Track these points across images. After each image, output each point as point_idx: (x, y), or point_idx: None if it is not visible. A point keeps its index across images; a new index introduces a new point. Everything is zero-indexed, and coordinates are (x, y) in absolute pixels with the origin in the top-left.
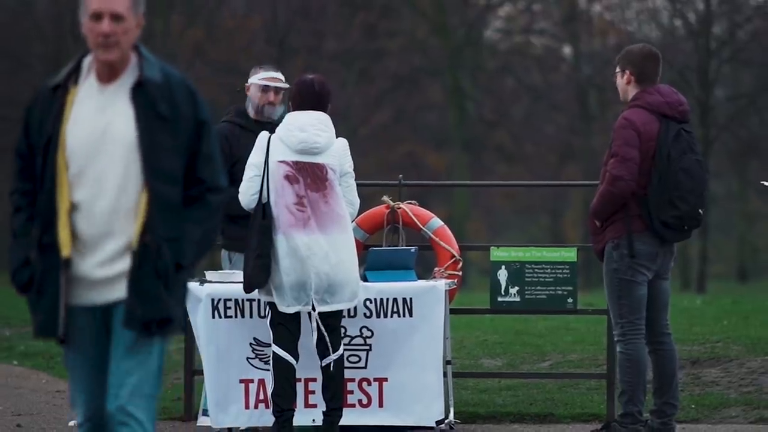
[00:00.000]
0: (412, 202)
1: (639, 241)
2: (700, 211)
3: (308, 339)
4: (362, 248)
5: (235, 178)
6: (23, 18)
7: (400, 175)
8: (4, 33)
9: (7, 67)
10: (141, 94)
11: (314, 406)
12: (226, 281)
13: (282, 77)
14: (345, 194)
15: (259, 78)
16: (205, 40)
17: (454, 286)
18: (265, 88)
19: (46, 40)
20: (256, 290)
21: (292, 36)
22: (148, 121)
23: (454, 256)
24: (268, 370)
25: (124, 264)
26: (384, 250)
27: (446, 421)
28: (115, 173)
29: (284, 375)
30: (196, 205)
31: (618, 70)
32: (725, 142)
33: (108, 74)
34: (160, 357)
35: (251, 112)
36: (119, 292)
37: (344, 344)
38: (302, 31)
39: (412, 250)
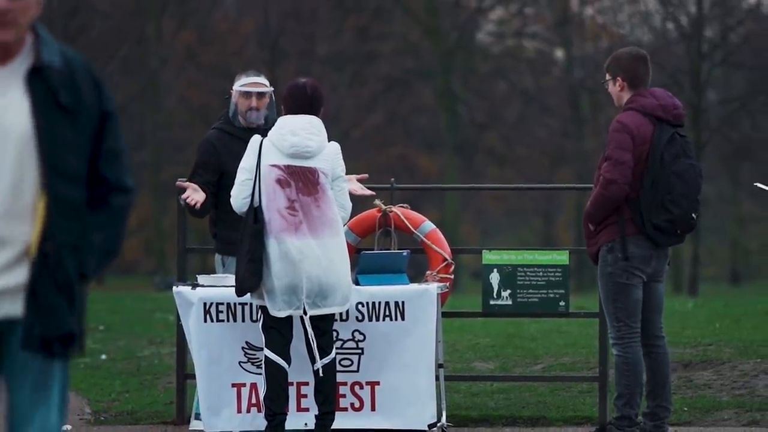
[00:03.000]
0: (404, 205)
1: (633, 244)
2: (693, 215)
3: (301, 343)
4: (354, 252)
5: (225, 186)
6: None
7: (392, 179)
8: None
9: None
10: (38, 81)
11: (306, 410)
12: (218, 285)
13: (265, 81)
14: (337, 198)
15: (240, 84)
16: (197, 43)
17: (446, 290)
18: (246, 94)
19: None
20: (248, 294)
21: (284, 39)
22: (47, 112)
23: (446, 259)
24: (261, 374)
25: (20, 275)
26: (376, 253)
27: (438, 424)
28: (7, 172)
29: (276, 379)
30: (100, 208)
31: (608, 77)
32: (717, 145)
33: (1, 56)
34: (64, 381)
35: (239, 119)
36: (13, 307)
37: (336, 348)
38: (294, 34)
39: (404, 254)
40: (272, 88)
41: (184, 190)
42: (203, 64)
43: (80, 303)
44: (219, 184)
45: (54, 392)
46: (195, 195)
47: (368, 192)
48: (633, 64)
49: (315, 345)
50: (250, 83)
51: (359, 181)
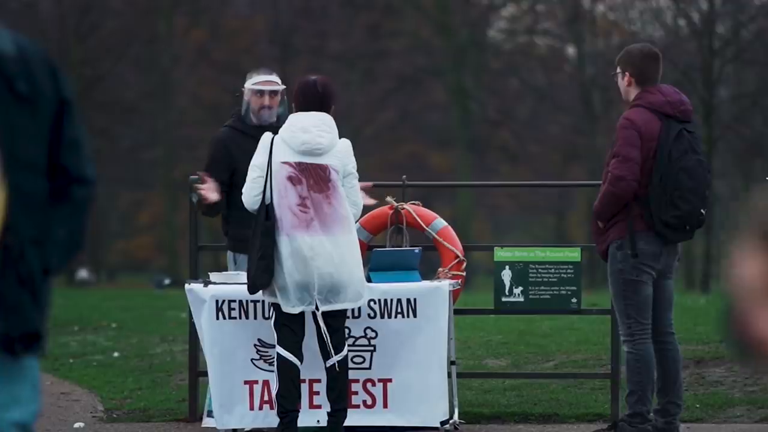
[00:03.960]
0: (416, 202)
1: (642, 240)
2: (702, 211)
3: (313, 340)
4: (366, 249)
5: (237, 183)
6: (26, 20)
7: (404, 176)
8: None
9: None
10: None
11: (319, 407)
12: (230, 282)
13: (277, 79)
14: (348, 195)
15: (252, 83)
16: (209, 41)
17: (458, 287)
18: (259, 93)
19: (49, 42)
20: (260, 291)
21: (296, 37)
22: (3, 101)
23: (457, 256)
24: (273, 371)
25: None
26: (388, 250)
27: (451, 421)
28: None
29: (288, 376)
30: (61, 200)
31: (618, 71)
32: (729, 142)
33: None
34: (35, 380)
35: (252, 118)
36: None
37: (348, 345)
38: (305, 32)
39: (416, 251)
40: (284, 86)
41: (197, 187)
42: (215, 62)
43: (44, 300)
44: (230, 181)
45: (24, 392)
46: (210, 194)
47: (371, 201)
48: (643, 60)
49: (329, 340)
50: (263, 81)
51: (363, 189)
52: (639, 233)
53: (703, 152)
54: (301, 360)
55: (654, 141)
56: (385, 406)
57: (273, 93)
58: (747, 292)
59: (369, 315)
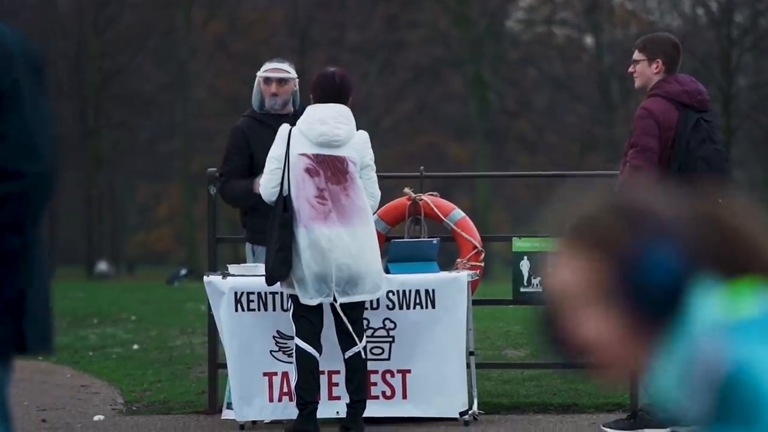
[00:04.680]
0: (434, 193)
1: None
2: (720, 201)
3: (331, 331)
4: (384, 240)
5: (255, 173)
6: (45, 13)
7: (422, 167)
8: (26, 28)
9: None
10: None
11: (338, 398)
12: (248, 274)
13: (288, 68)
14: (366, 186)
15: (262, 71)
16: (227, 33)
17: (477, 277)
18: (267, 80)
19: (67, 35)
20: (278, 283)
21: (314, 28)
22: None
23: (476, 247)
24: (292, 362)
25: None
26: (406, 241)
27: (470, 412)
28: None
29: (308, 368)
30: None
31: (644, 57)
32: (748, 131)
33: None
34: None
35: (266, 105)
36: None
37: (367, 336)
38: (323, 23)
39: (434, 242)
40: (296, 75)
41: (215, 179)
42: (233, 54)
43: None
44: (250, 167)
45: None
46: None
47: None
48: (674, 49)
49: (351, 329)
50: (272, 69)
51: None
52: None
53: (721, 141)
54: (320, 351)
55: (672, 131)
56: (404, 397)
57: (281, 81)
58: (564, 296)
59: (387, 306)
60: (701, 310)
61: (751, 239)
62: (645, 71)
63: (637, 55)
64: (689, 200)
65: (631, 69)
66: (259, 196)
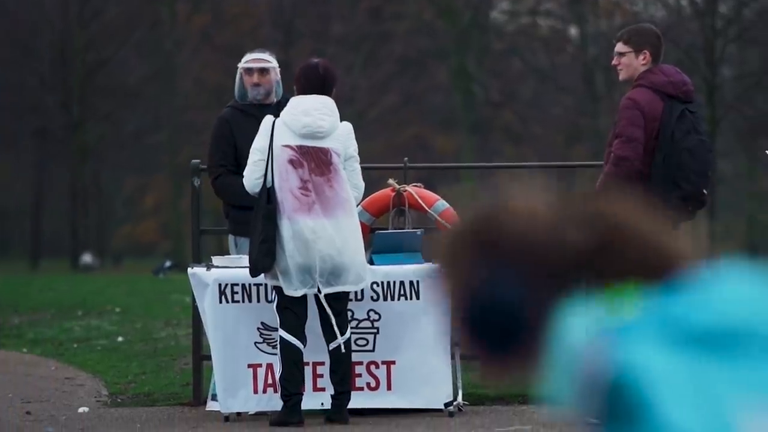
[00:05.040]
0: (418, 184)
1: None
2: (704, 191)
3: (316, 323)
4: (368, 231)
5: (239, 163)
6: (30, 5)
7: (405, 158)
8: (11, 21)
9: (15, 55)
10: None
11: (322, 389)
12: (232, 266)
13: (269, 57)
14: (350, 178)
15: (243, 62)
16: (212, 25)
17: None
18: (248, 71)
19: (53, 28)
20: (263, 275)
21: (298, 20)
22: None
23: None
24: (276, 354)
25: None
26: (390, 233)
27: (455, 403)
28: None
29: (292, 359)
30: None
31: (630, 49)
32: (732, 122)
33: None
34: None
35: (249, 96)
36: None
37: (352, 328)
38: (308, 15)
39: (419, 233)
40: (277, 65)
41: (198, 170)
42: (218, 46)
43: None
44: (235, 158)
45: None
46: None
47: None
48: (658, 40)
49: (335, 321)
50: (252, 59)
51: None
52: None
53: (705, 132)
54: (304, 343)
55: (657, 121)
56: (389, 388)
57: (262, 71)
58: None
59: (372, 297)
60: (578, 320)
61: (633, 242)
62: (632, 63)
63: (622, 48)
64: (569, 205)
65: (615, 61)
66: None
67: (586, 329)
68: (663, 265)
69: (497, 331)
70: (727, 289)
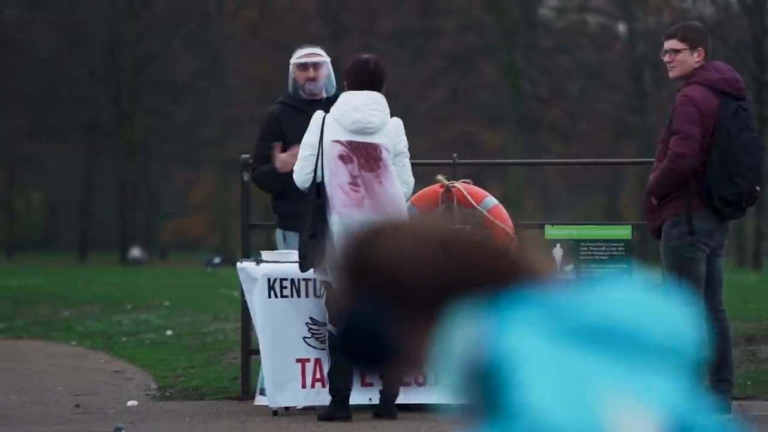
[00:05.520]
0: (467, 180)
1: (698, 218)
2: (757, 188)
3: None
4: None
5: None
6: (78, 1)
7: (455, 154)
8: (62, 14)
9: (65, 48)
10: None
11: (370, 385)
12: (282, 261)
13: (321, 52)
14: (399, 174)
15: (296, 57)
16: (259, 20)
17: None
18: (302, 66)
19: (102, 21)
20: (312, 269)
21: (346, 15)
22: None
23: (508, 234)
24: (325, 349)
25: None
26: None
27: None
28: None
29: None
30: None
31: (685, 47)
32: None
33: None
34: None
35: (300, 92)
36: None
37: None
38: (355, 10)
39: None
40: (329, 59)
41: (248, 165)
42: (266, 41)
43: None
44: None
45: None
46: (291, 159)
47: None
48: (709, 37)
49: None
50: (306, 54)
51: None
52: (696, 211)
53: (757, 129)
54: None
55: (712, 118)
56: (437, 383)
57: (316, 65)
58: None
59: None
60: (459, 325)
61: (487, 260)
62: (687, 60)
63: (676, 44)
64: (430, 231)
65: (668, 58)
66: (284, 178)
67: (466, 332)
68: (523, 276)
69: (365, 351)
70: (611, 292)
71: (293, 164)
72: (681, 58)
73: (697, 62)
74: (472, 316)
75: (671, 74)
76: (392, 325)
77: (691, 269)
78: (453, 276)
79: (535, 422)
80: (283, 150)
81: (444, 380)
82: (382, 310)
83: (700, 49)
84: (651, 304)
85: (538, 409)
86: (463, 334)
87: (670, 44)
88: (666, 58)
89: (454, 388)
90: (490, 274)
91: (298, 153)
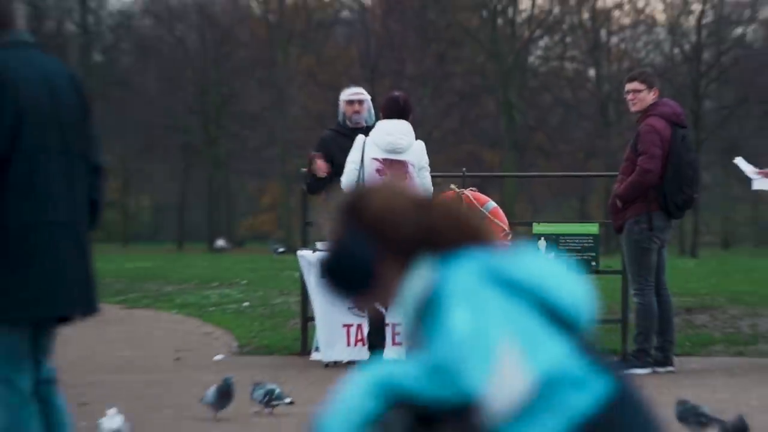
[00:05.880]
0: (473, 188)
1: (656, 217)
2: (695, 195)
3: None
4: None
5: (337, 171)
6: (178, 51)
7: (464, 169)
8: (164, 61)
9: (167, 88)
10: None
11: (400, 344)
12: None
13: (363, 91)
14: (422, 183)
15: (345, 95)
16: (315, 66)
17: None
18: (350, 102)
19: (195, 67)
20: None
21: (381, 62)
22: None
23: (505, 230)
24: (365, 317)
25: None
26: None
27: None
28: None
29: (377, 320)
30: None
31: (644, 87)
32: (713, 143)
33: None
34: None
35: (347, 122)
36: None
37: None
38: (389, 58)
39: None
40: (369, 97)
41: (310, 175)
42: (319, 82)
43: None
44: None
45: None
46: (321, 170)
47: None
48: (658, 80)
49: None
50: (352, 93)
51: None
52: (654, 212)
53: (695, 151)
54: (386, 309)
55: (668, 143)
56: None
57: (360, 102)
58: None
59: None
60: (422, 267)
61: (453, 223)
62: (646, 98)
63: (638, 86)
64: (415, 197)
65: (630, 97)
66: (321, 182)
67: (423, 275)
68: (473, 238)
69: (342, 278)
70: (527, 256)
71: (325, 169)
72: (641, 96)
73: (653, 99)
74: (431, 264)
75: (633, 109)
76: (370, 259)
77: (646, 257)
78: (424, 229)
79: (446, 338)
80: (333, 166)
81: (401, 312)
82: (365, 245)
83: (655, 89)
84: (561, 276)
85: (451, 329)
86: (421, 276)
87: (632, 86)
88: (629, 97)
89: (406, 319)
90: (452, 233)
91: (323, 162)
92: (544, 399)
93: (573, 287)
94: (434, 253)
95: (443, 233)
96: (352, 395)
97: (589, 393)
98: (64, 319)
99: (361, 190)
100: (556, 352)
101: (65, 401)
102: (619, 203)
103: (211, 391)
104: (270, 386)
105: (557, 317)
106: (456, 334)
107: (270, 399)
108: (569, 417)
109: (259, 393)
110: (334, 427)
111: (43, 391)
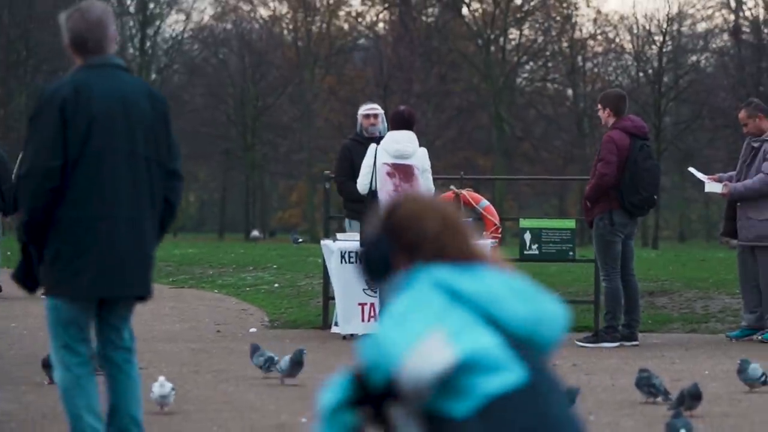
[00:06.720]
0: (469, 189)
1: (616, 215)
2: (655, 197)
3: None
4: None
5: (354, 174)
6: (221, 72)
7: (461, 172)
8: (209, 79)
9: (211, 102)
10: None
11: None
12: (350, 240)
13: (377, 106)
14: (425, 184)
15: (363, 110)
16: (336, 84)
17: (496, 244)
18: (367, 116)
19: (235, 86)
20: None
21: (392, 82)
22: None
23: (496, 224)
24: (377, 297)
25: None
26: None
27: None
28: None
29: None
30: None
31: (600, 107)
32: (671, 152)
33: None
34: (49, 312)
35: (364, 132)
36: None
37: None
38: (398, 78)
39: (469, 221)
40: (382, 112)
41: (329, 178)
42: (340, 98)
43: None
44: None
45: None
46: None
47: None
48: (616, 100)
49: None
50: (369, 108)
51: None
52: (615, 210)
53: (655, 158)
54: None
55: (626, 151)
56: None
57: (375, 115)
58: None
59: None
60: (414, 270)
61: (452, 238)
62: (601, 116)
63: (599, 106)
64: (430, 208)
65: (599, 113)
66: (353, 187)
67: (408, 276)
68: (458, 257)
69: (369, 266)
70: (484, 274)
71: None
72: (600, 114)
73: (608, 118)
74: (418, 266)
75: (602, 123)
76: (389, 255)
77: (611, 248)
78: (425, 240)
79: (385, 316)
80: (352, 168)
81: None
82: (386, 245)
83: (607, 108)
84: (508, 292)
85: (390, 310)
86: (406, 276)
87: (598, 105)
88: (599, 113)
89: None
90: (442, 249)
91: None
92: (462, 376)
93: (518, 303)
94: (425, 259)
95: (435, 247)
96: (336, 381)
97: (502, 378)
98: (141, 298)
99: (396, 201)
100: (479, 342)
101: (137, 369)
102: (588, 203)
103: (285, 360)
104: (269, 354)
105: (493, 321)
106: (391, 313)
107: (270, 365)
108: (478, 395)
109: (260, 359)
110: (326, 405)
111: (119, 358)
